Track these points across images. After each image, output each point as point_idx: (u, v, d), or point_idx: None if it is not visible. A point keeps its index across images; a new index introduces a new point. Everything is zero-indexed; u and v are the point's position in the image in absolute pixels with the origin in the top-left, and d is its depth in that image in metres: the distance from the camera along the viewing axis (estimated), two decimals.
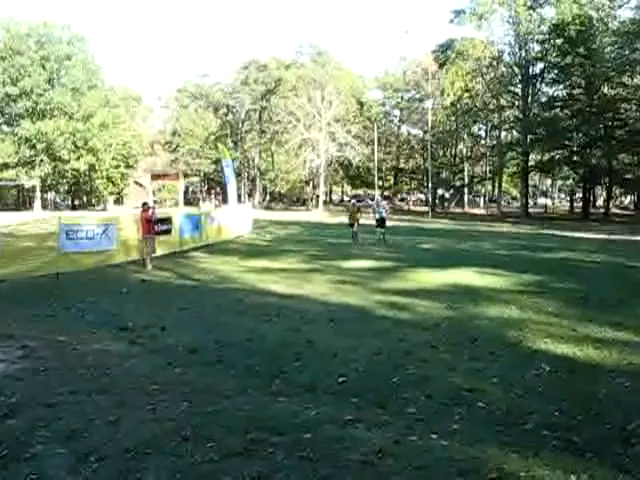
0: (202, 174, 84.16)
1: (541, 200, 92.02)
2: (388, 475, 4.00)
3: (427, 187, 71.27)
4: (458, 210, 72.73)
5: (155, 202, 20.13)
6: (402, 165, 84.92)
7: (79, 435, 4.58)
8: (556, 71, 57.71)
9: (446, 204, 78.38)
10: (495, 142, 70.36)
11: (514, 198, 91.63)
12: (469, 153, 79.24)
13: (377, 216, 25.79)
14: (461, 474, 4.04)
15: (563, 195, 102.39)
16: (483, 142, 78.45)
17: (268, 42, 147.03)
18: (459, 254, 20.86)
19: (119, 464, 4.09)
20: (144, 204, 18.41)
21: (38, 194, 71.18)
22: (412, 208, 78.13)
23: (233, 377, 6.50)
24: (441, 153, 78.40)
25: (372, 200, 33.14)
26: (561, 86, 60.20)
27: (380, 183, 75.77)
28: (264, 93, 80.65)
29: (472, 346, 8.09)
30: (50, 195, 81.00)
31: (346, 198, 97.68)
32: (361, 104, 77.01)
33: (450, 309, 10.80)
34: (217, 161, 57.80)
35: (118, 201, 79.59)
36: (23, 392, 5.61)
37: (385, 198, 37.59)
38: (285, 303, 11.45)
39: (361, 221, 27.06)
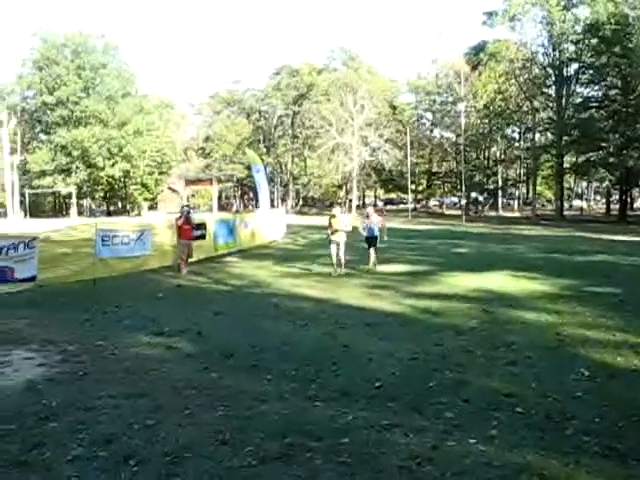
0: (235, 179, 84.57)
1: (576, 202, 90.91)
2: None
3: (460, 190, 70.81)
4: (492, 213, 72.12)
5: (187, 206, 20.19)
6: (435, 169, 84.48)
7: (118, 439, 4.63)
8: (591, 71, 56.88)
9: (480, 207, 77.79)
10: (529, 144, 69.54)
11: (549, 201, 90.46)
12: (502, 156, 78.55)
13: (366, 233, 18.22)
14: None
15: (599, 197, 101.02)
16: (517, 145, 77.66)
17: (300, 47, 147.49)
18: (493, 258, 20.68)
19: (158, 467, 4.13)
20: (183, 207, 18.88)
21: (74, 201, 72.21)
22: (445, 212, 77.69)
23: (269, 382, 6.52)
24: (474, 156, 77.76)
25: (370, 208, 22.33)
26: (596, 87, 59.36)
27: (413, 187, 75.48)
28: (296, 98, 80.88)
29: (508, 351, 8.01)
30: (86, 202, 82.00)
31: (379, 203, 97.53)
32: (393, 108, 76.85)
33: (485, 313, 10.71)
34: (250, 167, 58.10)
35: (152, 207, 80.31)
36: (63, 396, 5.69)
37: (375, 207, 29.05)
38: (320, 308, 11.47)
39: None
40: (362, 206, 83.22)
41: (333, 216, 17.74)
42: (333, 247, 17.07)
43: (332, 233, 17.38)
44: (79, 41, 71.49)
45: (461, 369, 7.09)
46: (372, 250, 17.74)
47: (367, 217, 18.63)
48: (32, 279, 13.01)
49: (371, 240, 17.98)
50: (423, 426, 5.19)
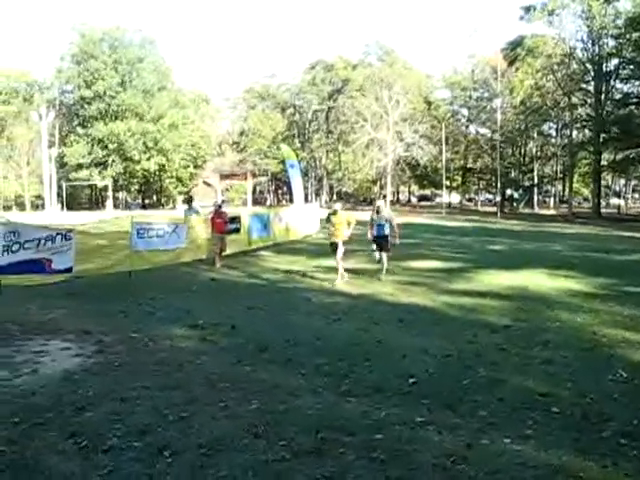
0: (269, 174, 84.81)
1: (614, 200, 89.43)
2: (461, 479, 3.95)
3: (496, 187, 70.18)
4: (527, 211, 71.33)
5: (224, 202, 20.40)
6: (470, 165, 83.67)
7: (153, 430, 4.67)
8: (632, 67, 55.77)
9: (515, 204, 77.02)
10: (566, 141, 68.58)
11: (585, 199, 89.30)
12: (539, 152, 77.52)
13: (375, 231, 15.29)
14: None
15: (637, 195, 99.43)
16: (553, 141, 76.47)
17: (335, 42, 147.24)
18: (529, 255, 20.44)
19: (193, 459, 4.15)
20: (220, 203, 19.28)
21: (110, 194, 73.06)
22: (480, 208, 77.10)
23: (303, 376, 6.53)
24: (510, 152, 76.94)
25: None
26: (637, 82, 58.27)
27: (447, 183, 75.04)
28: (331, 93, 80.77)
29: (544, 349, 7.93)
30: (121, 195, 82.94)
31: (413, 199, 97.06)
32: (429, 103, 76.39)
33: (520, 311, 10.61)
34: (284, 161, 58.24)
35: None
36: (99, 386, 5.76)
37: (378, 212, 15.88)
38: (353, 303, 11.47)
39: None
40: (396, 201, 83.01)
41: (334, 212, 15.36)
42: (339, 253, 14.78)
43: (330, 233, 15.35)
44: (116, 36, 72.32)
45: (495, 367, 7.04)
46: (383, 254, 15.11)
47: (377, 212, 15.52)
48: (69, 270, 13.19)
49: (380, 241, 15.18)
50: (457, 424, 5.15)
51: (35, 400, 5.35)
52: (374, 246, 15.48)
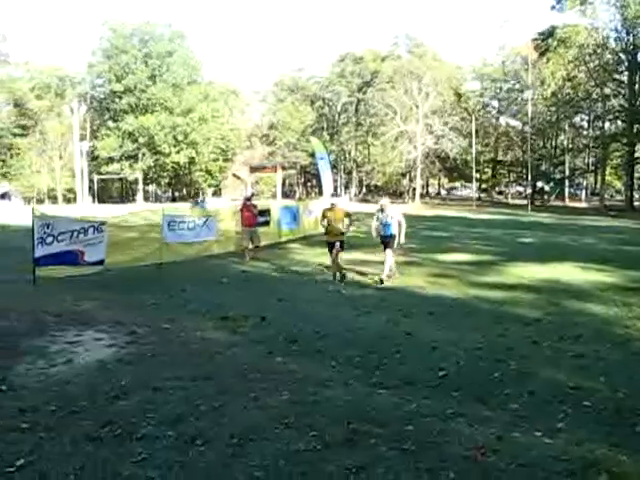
0: (299, 167, 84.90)
1: None
2: (492, 471, 3.93)
3: (526, 180, 69.56)
4: (558, 203, 70.51)
5: (253, 195, 20.54)
6: (500, 157, 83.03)
7: (185, 419, 4.71)
8: None
9: (546, 197, 76.24)
10: (598, 133, 67.66)
11: (618, 191, 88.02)
12: (570, 145, 76.52)
13: (381, 231, 13.97)
14: (568, 474, 3.91)
15: None
16: (585, 133, 75.43)
17: (364, 34, 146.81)
18: (560, 248, 20.25)
19: (224, 449, 4.18)
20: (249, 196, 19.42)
21: (140, 187, 73.73)
22: (510, 201, 76.46)
23: (333, 368, 6.56)
24: (541, 145, 76.16)
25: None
26: None
27: (477, 176, 74.50)
28: (360, 86, 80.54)
29: (575, 343, 7.86)
30: (151, 188, 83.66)
31: (443, 191, 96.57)
32: (459, 95, 75.77)
33: (551, 304, 10.53)
34: (313, 154, 58.23)
35: (216, 193, 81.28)
36: (132, 376, 5.83)
37: (382, 210, 13.96)
38: (383, 295, 11.47)
39: None
40: (425, 194, 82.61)
41: (331, 208, 14.12)
42: (335, 253, 13.76)
43: (326, 231, 14.13)
44: (146, 30, 72.88)
45: (526, 360, 6.99)
46: (388, 253, 13.66)
47: (381, 211, 13.97)
48: (101, 262, 13.38)
49: (386, 240, 13.87)
50: (488, 416, 5.14)
51: (70, 389, 5.43)
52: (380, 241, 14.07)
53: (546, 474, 3.89)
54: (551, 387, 6.03)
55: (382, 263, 13.63)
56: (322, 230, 14.81)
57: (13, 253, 16.23)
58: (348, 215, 14.13)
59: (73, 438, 4.29)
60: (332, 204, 14.32)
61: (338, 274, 13.64)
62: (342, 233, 13.87)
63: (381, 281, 12.97)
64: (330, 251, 13.87)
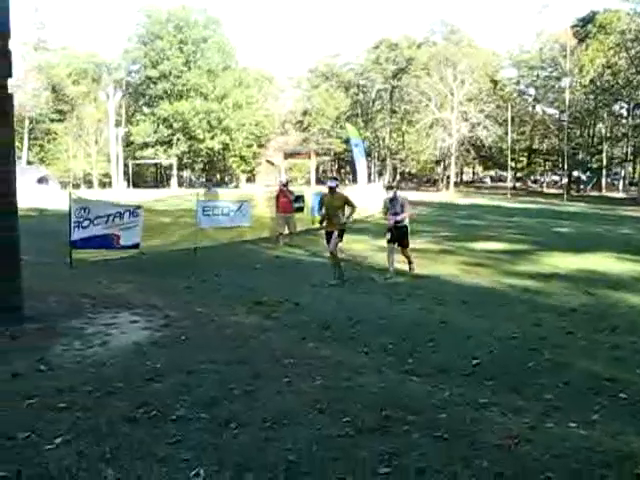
0: (332, 153, 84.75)
1: None
2: (526, 461, 3.90)
3: (562, 169, 68.74)
4: (595, 193, 69.65)
5: (288, 181, 20.54)
6: (536, 146, 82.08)
7: (219, 402, 4.74)
8: None
9: (582, 187, 75.28)
10: (638, 121, 66.51)
11: None
12: (608, 133, 75.42)
13: (391, 220, 12.53)
14: (603, 466, 3.87)
15: None
16: (624, 122, 74.26)
17: (399, 21, 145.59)
18: (596, 238, 19.98)
19: (258, 432, 4.21)
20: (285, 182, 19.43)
21: (175, 172, 74.23)
22: (545, 190, 75.65)
23: (366, 354, 6.57)
24: (578, 133, 75.08)
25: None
26: None
27: (512, 164, 73.79)
28: (395, 72, 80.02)
29: (611, 334, 7.77)
30: (186, 173, 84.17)
31: (477, 180, 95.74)
32: (495, 83, 74.98)
33: (587, 295, 10.43)
34: (347, 140, 58.06)
35: (250, 179, 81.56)
36: (167, 358, 5.88)
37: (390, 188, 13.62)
38: (417, 283, 11.45)
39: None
40: (459, 182, 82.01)
41: (330, 193, 12.06)
42: (332, 243, 11.83)
43: (322, 219, 12.38)
44: (182, 16, 73.09)
45: (561, 351, 6.93)
46: (402, 250, 12.67)
47: (392, 200, 12.57)
48: (136, 246, 13.54)
49: (399, 232, 12.52)
50: (521, 406, 5.10)
51: (106, 370, 5.50)
52: (388, 235, 12.64)
53: (580, 465, 3.86)
54: (586, 378, 5.97)
55: (415, 250, 13.59)
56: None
57: (50, 236, 16.45)
58: (349, 203, 12.07)
59: (109, 418, 4.35)
60: (330, 188, 11.98)
61: (337, 270, 11.85)
62: (340, 222, 11.89)
63: (386, 278, 12.03)
64: (328, 242, 11.91)
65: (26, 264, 7.95)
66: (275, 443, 4.04)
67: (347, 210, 12.15)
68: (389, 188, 13.30)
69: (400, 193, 13.33)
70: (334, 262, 11.96)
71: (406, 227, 12.71)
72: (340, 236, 11.81)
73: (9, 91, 6.95)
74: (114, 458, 3.77)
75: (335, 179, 12.65)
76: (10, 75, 6.92)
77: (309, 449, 3.96)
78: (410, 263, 12.85)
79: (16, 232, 7.22)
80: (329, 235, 11.85)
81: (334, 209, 11.75)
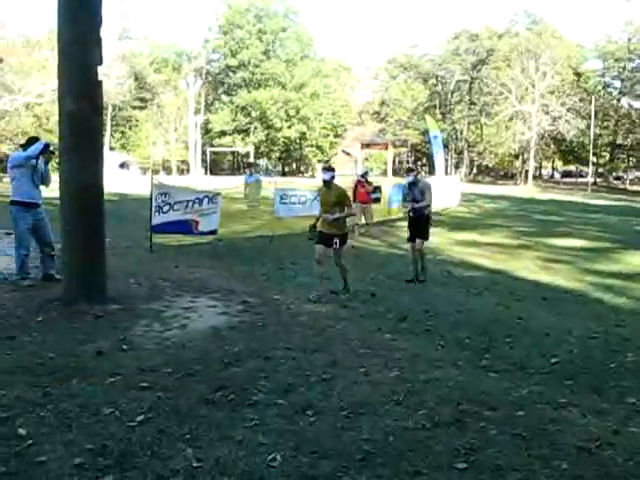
0: (409, 144, 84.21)
1: None
2: (608, 465, 3.80)
3: None
4: None
5: (367, 172, 20.43)
6: (620, 141, 79.48)
7: (296, 389, 4.79)
8: None
9: None
10: None
11: None
12: None
13: (410, 211, 10.93)
14: None
15: None
16: None
17: (480, 11, 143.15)
18: None
19: (334, 420, 4.23)
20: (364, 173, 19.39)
21: (252, 160, 75.05)
22: (629, 187, 73.36)
23: (443, 348, 6.50)
24: None
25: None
26: None
27: (594, 159, 71.82)
28: (475, 63, 78.94)
29: None
30: (262, 161, 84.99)
31: (556, 175, 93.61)
32: (578, 75, 73.03)
33: None
34: (424, 132, 57.48)
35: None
36: (244, 343, 5.97)
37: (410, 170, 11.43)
38: (494, 278, 11.28)
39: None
40: (538, 177, 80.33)
41: (326, 186, 9.36)
42: (319, 247, 9.15)
43: (319, 220, 9.44)
44: (261, 6, 73.89)
45: None
46: (419, 243, 10.75)
47: (413, 184, 10.84)
48: (214, 232, 13.73)
49: (417, 223, 10.87)
50: (603, 408, 4.95)
51: (185, 353, 5.63)
52: (408, 233, 11.12)
53: None
54: None
55: (492, 245, 13.39)
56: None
57: (131, 220, 16.92)
58: (345, 200, 9.31)
59: (188, 400, 4.45)
60: (325, 181, 9.31)
61: (342, 283, 9.51)
62: (340, 225, 9.26)
63: (418, 280, 10.56)
64: (324, 244, 9.12)
65: (108, 247, 8.18)
66: (351, 432, 4.06)
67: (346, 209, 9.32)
68: (409, 171, 11.35)
69: (423, 178, 11.83)
70: (342, 275, 9.47)
71: (427, 217, 10.93)
72: (343, 243, 9.23)
73: (99, 78, 7.17)
74: (193, 439, 3.86)
75: (331, 169, 9.41)
76: (101, 63, 7.13)
77: (385, 440, 3.96)
78: (422, 268, 10.82)
79: (102, 216, 7.44)
80: (329, 239, 9.07)
81: (330, 206, 9.12)
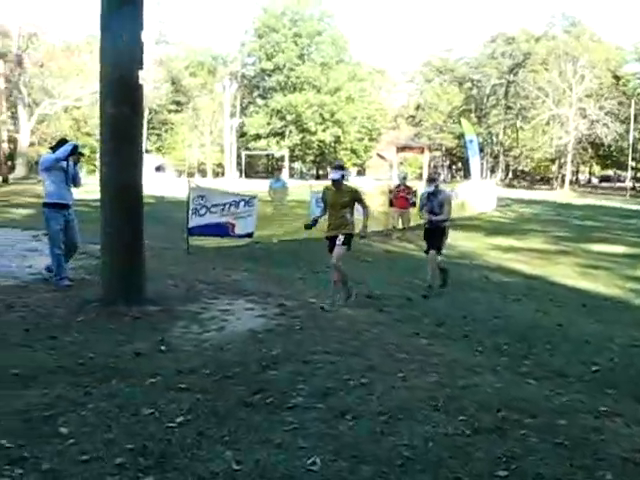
0: (444, 149, 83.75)
1: None
2: None
3: None
4: None
5: (406, 177, 20.36)
6: None
7: (335, 393, 4.77)
8: None
9: None
10: None
11: None
12: None
13: (427, 222, 10.77)
14: None
15: None
16: None
17: (517, 14, 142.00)
18: None
19: (373, 425, 4.20)
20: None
21: (286, 163, 75.21)
22: None
23: (481, 353, 6.45)
24: None
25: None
26: None
27: (633, 164, 70.74)
28: (511, 67, 78.20)
29: None
30: (297, 165, 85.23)
31: (594, 180, 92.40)
32: (617, 78, 71.96)
33: None
34: (460, 136, 57.16)
35: (360, 173, 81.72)
36: (282, 347, 5.95)
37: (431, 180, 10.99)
38: (532, 284, 11.19)
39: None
40: (575, 182, 79.35)
41: (336, 184, 8.74)
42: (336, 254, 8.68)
43: (316, 222, 9.33)
44: (297, 9, 74.11)
45: None
46: (432, 255, 10.43)
47: (433, 194, 10.54)
48: (250, 235, 13.82)
49: (435, 234, 10.61)
50: None
51: (223, 355, 5.64)
52: (426, 246, 10.75)
53: None
54: None
55: (529, 250, 13.26)
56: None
57: (168, 222, 17.06)
58: (360, 201, 8.94)
59: (227, 402, 4.45)
60: (334, 180, 8.73)
61: (341, 291, 8.98)
62: (346, 225, 8.75)
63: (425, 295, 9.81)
64: (330, 251, 8.84)
65: (147, 248, 8.25)
66: (390, 437, 4.03)
67: (356, 212, 9.05)
68: (430, 180, 10.94)
69: (444, 188, 11.30)
70: (342, 279, 8.89)
71: (443, 229, 10.62)
72: (347, 243, 8.69)
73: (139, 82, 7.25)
74: (232, 441, 3.85)
75: (341, 168, 9.12)
76: (142, 67, 7.21)
77: (425, 446, 3.92)
78: (443, 281, 10.43)
79: (141, 218, 7.51)
80: (332, 242, 8.79)
81: (340, 208, 8.68)
